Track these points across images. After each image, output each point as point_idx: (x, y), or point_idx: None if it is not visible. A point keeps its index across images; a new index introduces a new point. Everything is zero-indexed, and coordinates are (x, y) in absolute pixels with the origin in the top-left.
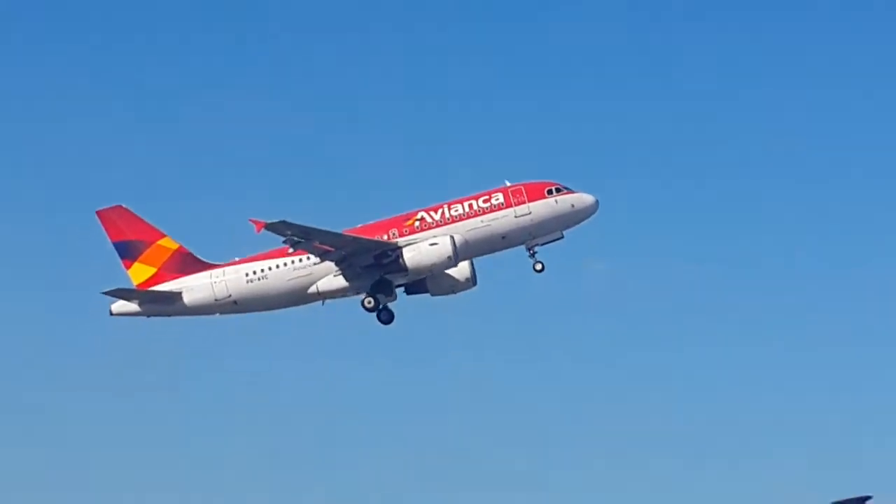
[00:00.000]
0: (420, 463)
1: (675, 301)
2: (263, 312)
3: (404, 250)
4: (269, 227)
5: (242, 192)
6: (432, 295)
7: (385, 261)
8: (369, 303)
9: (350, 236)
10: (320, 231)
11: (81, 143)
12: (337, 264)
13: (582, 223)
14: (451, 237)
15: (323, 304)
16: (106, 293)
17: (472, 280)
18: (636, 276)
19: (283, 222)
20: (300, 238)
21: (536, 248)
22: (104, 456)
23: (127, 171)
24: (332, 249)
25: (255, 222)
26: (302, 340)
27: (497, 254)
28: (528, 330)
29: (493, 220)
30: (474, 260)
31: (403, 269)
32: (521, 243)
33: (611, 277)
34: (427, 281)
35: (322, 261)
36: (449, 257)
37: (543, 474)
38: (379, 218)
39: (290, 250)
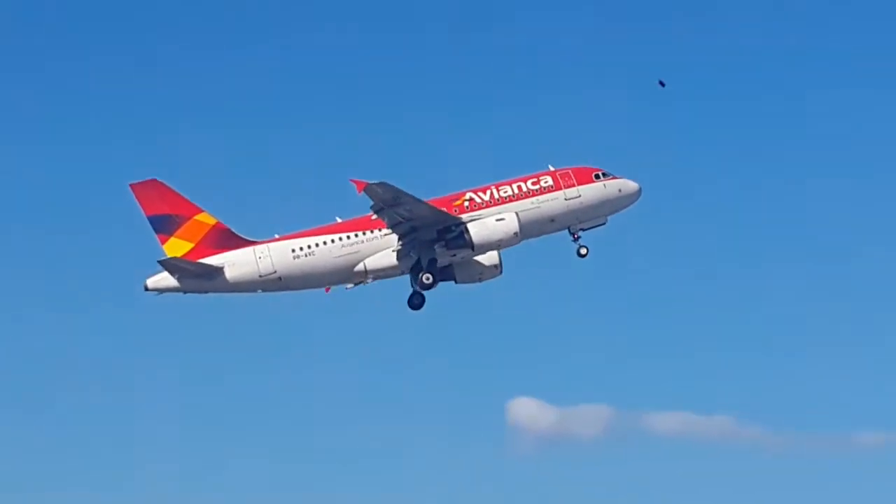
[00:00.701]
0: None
1: (688, 298)
2: (295, 292)
3: (469, 225)
4: (369, 187)
5: (278, 169)
6: (457, 282)
7: (448, 236)
8: (427, 279)
9: (432, 206)
10: (409, 197)
11: (116, 114)
12: (401, 237)
13: (624, 209)
14: (516, 213)
15: (368, 282)
16: (162, 262)
17: (499, 267)
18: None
19: (383, 184)
20: (387, 204)
21: (580, 234)
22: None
23: (161, 144)
24: (405, 220)
25: (356, 182)
26: (331, 324)
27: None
28: (555, 319)
29: (543, 202)
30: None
31: (468, 244)
32: (567, 227)
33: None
34: (454, 267)
35: (391, 231)
36: (515, 233)
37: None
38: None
39: (373, 217)
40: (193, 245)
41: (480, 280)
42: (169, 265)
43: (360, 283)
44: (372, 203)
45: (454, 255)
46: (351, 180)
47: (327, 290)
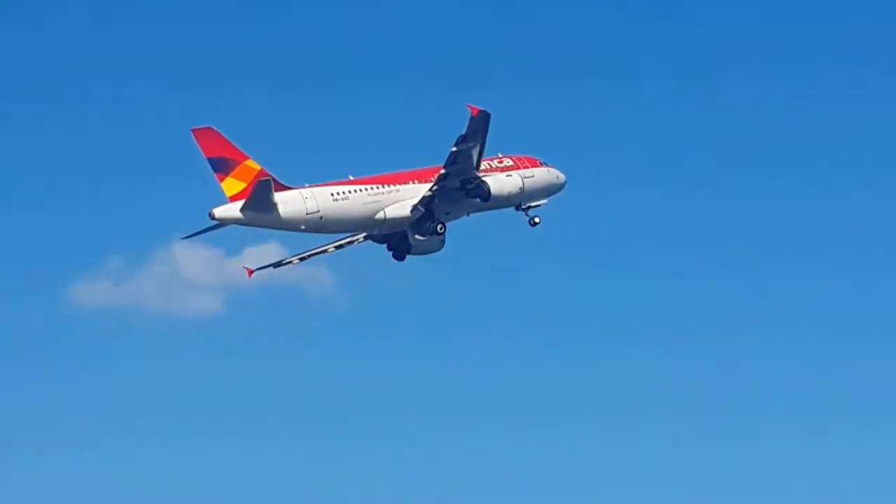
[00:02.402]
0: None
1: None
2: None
3: (486, 178)
4: (481, 113)
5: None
6: (410, 254)
7: (469, 187)
8: (441, 228)
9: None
10: (484, 136)
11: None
12: (438, 181)
13: (557, 195)
14: (519, 175)
15: (358, 243)
16: (261, 181)
17: (443, 243)
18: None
19: (487, 113)
20: (470, 137)
21: (528, 210)
22: None
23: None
24: (456, 162)
25: (471, 107)
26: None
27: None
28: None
29: (509, 177)
30: None
31: (484, 195)
32: (518, 203)
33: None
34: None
35: (443, 167)
36: (520, 189)
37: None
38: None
39: (453, 148)
40: (245, 185)
41: (429, 253)
42: (264, 185)
43: (357, 239)
44: (465, 132)
45: (448, 214)
46: (467, 105)
47: (249, 273)
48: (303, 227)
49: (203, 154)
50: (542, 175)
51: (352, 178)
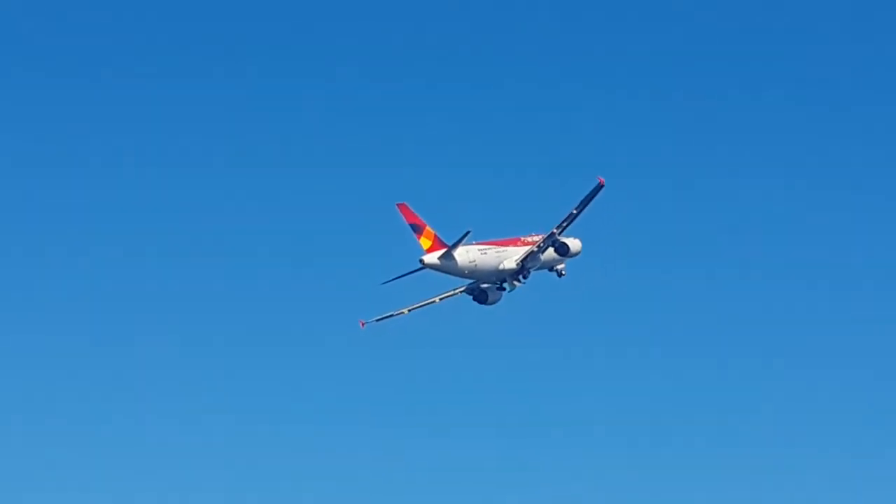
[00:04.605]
0: None
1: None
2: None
3: (565, 240)
4: (603, 184)
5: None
6: (480, 303)
7: (556, 245)
8: (524, 278)
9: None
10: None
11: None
12: (546, 239)
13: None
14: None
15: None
16: (466, 233)
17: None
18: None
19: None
20: (587, 202)
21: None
22: None
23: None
24: (564, 225)
25: (600, 179)
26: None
27: None
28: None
29: (574, 239)
30: None
31: (564, 251)
32: (554, 265)
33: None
34: (488, 291)
35: (556, 228)
36: (580, 248)
37: None
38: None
39: (574, 211)
40: (431, 243)
41: (495, 303)
42: (466, 234)
43: (458, 291)
44: (584, 198)
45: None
46: (598, 178)
47: (362, 325)
48: (466, 272)
49: (405, 221)
50: (576, 244)
51: (474, 242)
